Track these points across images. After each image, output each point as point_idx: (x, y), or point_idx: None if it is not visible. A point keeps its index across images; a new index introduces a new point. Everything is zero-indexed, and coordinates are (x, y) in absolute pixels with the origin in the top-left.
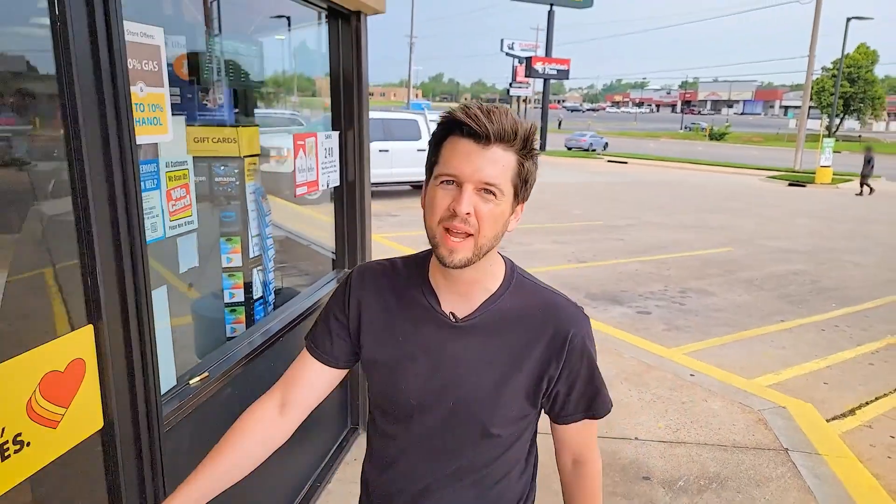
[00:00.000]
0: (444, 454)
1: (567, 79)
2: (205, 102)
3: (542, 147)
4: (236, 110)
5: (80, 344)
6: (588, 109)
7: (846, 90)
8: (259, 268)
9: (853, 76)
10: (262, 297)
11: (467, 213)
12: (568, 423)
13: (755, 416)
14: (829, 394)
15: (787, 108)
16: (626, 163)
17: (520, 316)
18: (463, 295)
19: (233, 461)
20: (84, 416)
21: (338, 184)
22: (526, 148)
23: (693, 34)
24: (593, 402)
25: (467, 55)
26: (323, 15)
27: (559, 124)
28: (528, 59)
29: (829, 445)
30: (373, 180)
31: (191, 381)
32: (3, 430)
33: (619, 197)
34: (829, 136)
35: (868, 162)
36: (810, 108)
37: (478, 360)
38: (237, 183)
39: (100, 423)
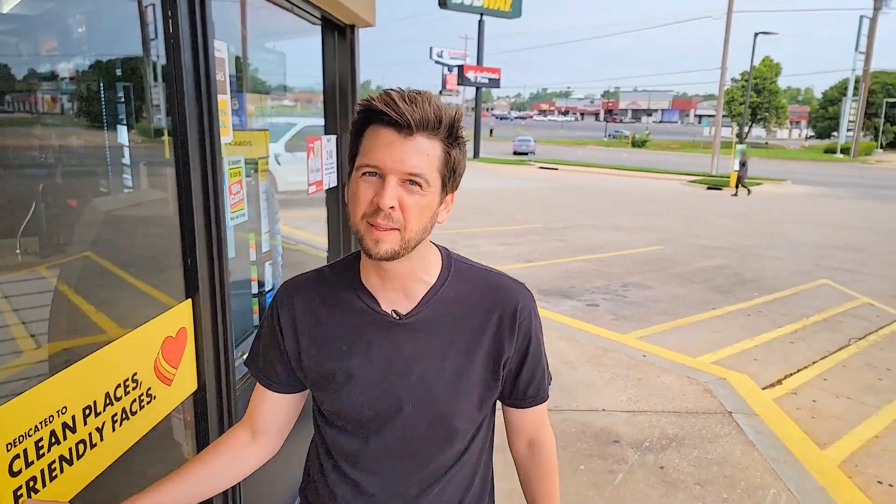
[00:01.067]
0: (407, 461)
1: (498, 87)
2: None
3: (476, 154)
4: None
5: (183, 314)
6: (516, 117)
7: (754, 100)
8: (270, 262)
9: (759, 87)
10: (272, 290)
11: (391, 208)
12: (525, 406)
13: (702, 387)
14: (758, 368)
15: (700, 116)
16: (556, 169)
17: (466, 302)
18: (401, 291)
19: (202, 477)
20: (186, 377)
21: (335, 184)
22: (452, 136)
23: (614, 46)
24: (543, 382)
25: (396, 62)
26: (319, 27)
27: (490, 132)
28: (461, 68)
29: (765, 408)
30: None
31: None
32: (140, 383)
33: (554, 201)
34: (740, 142)
35: (743, 165)
36: (722, 116)
37: (430, 354)
38: (252, 183)
39: (195, 385)
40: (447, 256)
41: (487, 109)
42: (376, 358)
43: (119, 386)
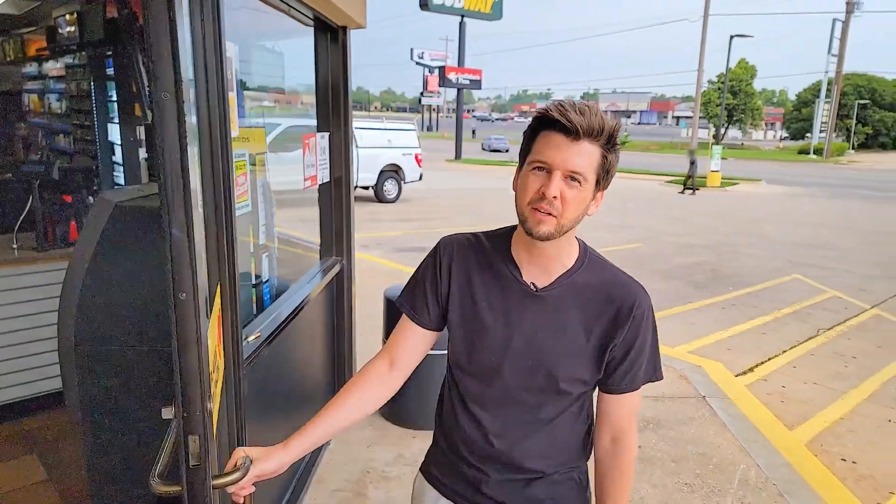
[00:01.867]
0: (522, 405)
1: (479, 88)
2: None
3: (458, 155)
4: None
5: (218, 298)
6: (497, 119)
7: (730, 102)
8: (267, 254)
9: (735, 89)
10: (268, 281)
11: (554, 197)
12: (617, 392)
13: (678, 373)
14: (732, 357)
15: (678, 118)
16: None
17: (592, 289)
18: (543, 268)
19: (354, 404)
20: (217, 355)
21: (328, 180)
22: (610, 143)
23: (594, 47)
24: (639, 374)
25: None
26: (312, 29)
27: (473, 133)
28: (442, 69)
29: (737, 393)
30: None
31: (249, 339)
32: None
33: None
34: (716, 143)
35: (693, 164)
36: (699, 118)
37: (553, 325)
38: (249, 177)
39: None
40: (584, 249)
41: (468, 111)
42: (510, 318)
43: None
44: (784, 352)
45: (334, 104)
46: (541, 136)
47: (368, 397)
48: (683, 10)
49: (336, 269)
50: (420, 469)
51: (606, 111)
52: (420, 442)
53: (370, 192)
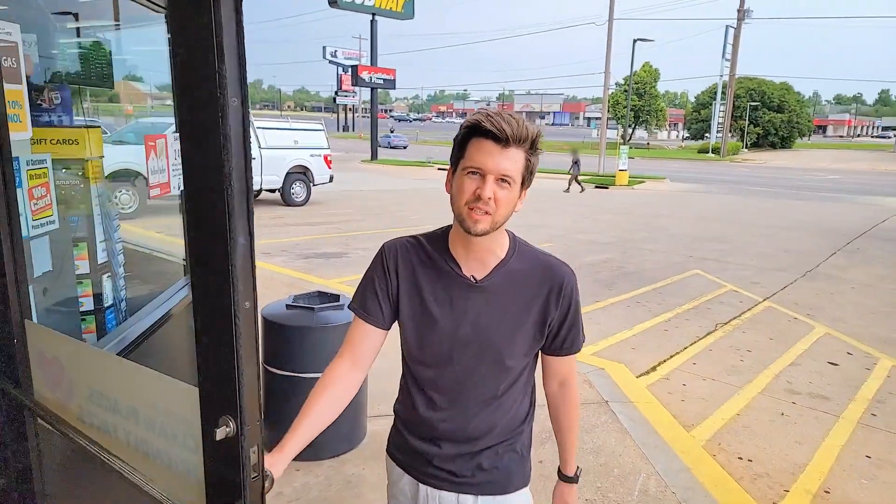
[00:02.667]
0: (473, 386)
1: (394, 88)
2: (39, 102)
3: (374, 156)
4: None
5: None
6: (415, 119)
7: (636, 104)
8: (108, 274)
9: (641, 91)
10: (112, 305)
11: (489, 198)
12: (561, 355)
13: (582, 377)
14: (635, 356)
15: (589, 119)
16: None
17: (524, 275)
18: (479, 261)
19: (326, 409)
20: None
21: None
22: (532, 147)
23: (509, 49)
24: (577, 338)
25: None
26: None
27: (391, 132)
28: (355, 68)
29: (638, 395)
30: None
31: None
32: None
33: (446, 201)
34: (624, 143)
35: (575, 163)
36: (608, 119)
37: (495, 310)
38: (81, 186)
39: None
40: (513, 239)
41: (385, 111)
42: (455, 309)
43: None
44: (685, 348)
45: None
46: (473, 142)
47: (339, 396)
48: (592, 14)
49: None
50: (385, 450)
51: (522, 112)
52: (304, 475)
53: (277, 196)
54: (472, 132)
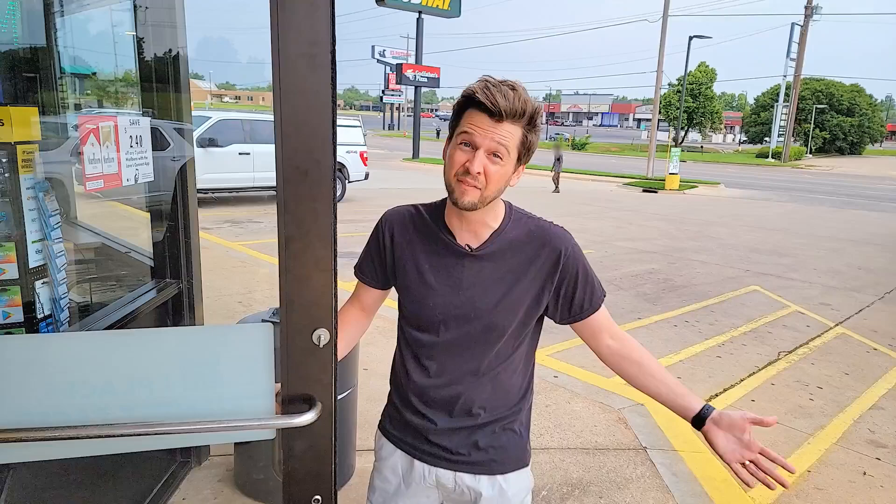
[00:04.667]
0: (466, 354)
1: (438, 87)
2: None
3: (416, 154)
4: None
5: None
6: None
7: (689, 105)
8: (44, 280)
9: (695, 92)
10: (50, 316)
11: (478, 172)
12: (584, 317)
13: (615, 415)
14: None
15: (639, 120)
16: None
17: (520, 242)
18: (473, 232)
19: (348, 337)
20: None
21: (152, 178)
22: (531, 124)
23: (557, 47)
24: (594, 294)
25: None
26: None
27: (437, 134)
28: (399, 67)
29: (684, 441)
30: (233, 185)
31: None
32: None
33: None
34: (675, 146)
35: (558, 160)
36: (659, 121)
37: (489, 279)
38: (7, 176)
39: None
40: (509, 207)
41: (431, 110)
42: (451, 277)
43: None
44: (741, 381)
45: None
46: (467, 113)
47: (349, 336)
48: (643, 11)
49: (171, 292)
50: (378, 426)
51: (568, 113)
52: None
53: None
54: (468, 102)
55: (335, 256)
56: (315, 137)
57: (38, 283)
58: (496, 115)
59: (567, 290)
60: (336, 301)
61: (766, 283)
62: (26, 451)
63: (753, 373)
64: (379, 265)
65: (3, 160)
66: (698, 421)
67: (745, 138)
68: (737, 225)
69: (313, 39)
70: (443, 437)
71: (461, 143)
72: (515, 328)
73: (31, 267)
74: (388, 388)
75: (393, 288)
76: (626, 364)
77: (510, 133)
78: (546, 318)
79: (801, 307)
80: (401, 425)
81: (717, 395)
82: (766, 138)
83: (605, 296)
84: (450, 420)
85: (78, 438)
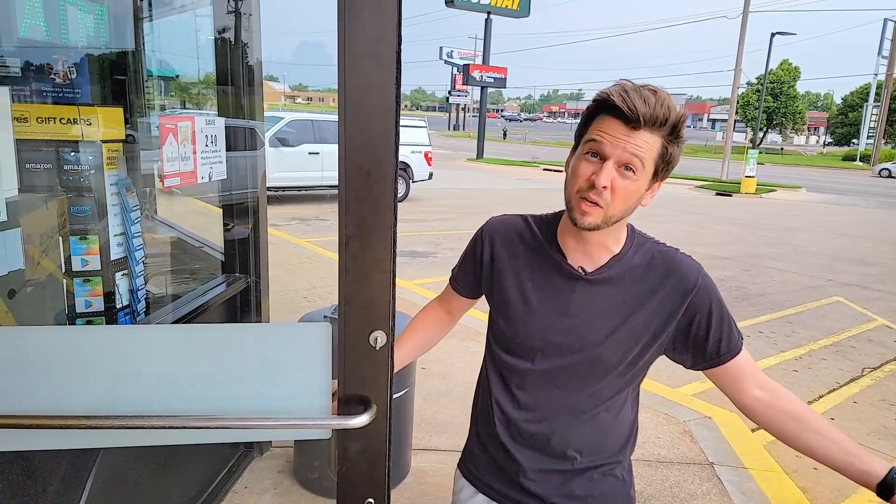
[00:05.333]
0: (563, 388)
1: (504, 87)
2: (52, 77)
3: (480, 155)
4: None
5: None
6: (525, 119)
7: (769, 105)
8: (124, 272)
9: (776, 91)
10: (128, 307)
11: (604, 187)
12: (725, 360)
13: (681, 427)
14: None
15: (714, 121)
16: (560, 171)
17: (641, 270)
18: (588, 255)
19: (426, 336)
20: None
21: (224, 177)
22: (673, 134)
23: (625, 46)
24: (731, 336)
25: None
26: None
27: (504, 135)
28: (466, 67)
29: (755, 458)
30: (302, 183)
31: None
32: None
33: (552, 203)
34: (753, 148)
35: None
36: (736, 121)
37: (601, 307)
38: (92, 172)
39: None
40: (632, 231)
41: (497, 110)
42: (557, 300)
43: None
44: (820, 397)
45: (247, 85)
46: (598, 119)
47: (430, 336)
48: (721, 7)
49: (240, 286)
50: (458, 465)
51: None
52: None
53: None
54: (600, 108)
55: (394, 258)
56: (378, 136)
57: (118, 275)
58: (633, 121)
59: (699, 329)
60: (394, 303)
61: (850, 293)
62: (92, 438)
63: (834, 389)
64: (472, 276)
65: (90, 157)
66: (885, 489)
67: (830, 140)
68: (818, 231)
69: (379, 37)
70: (533, 482)
71: (587, 153)
72: (624, 367)
73: (112, 259)
74: (446, 387)
75: (482, 298)
76: (782, 419)
77: (647, 143)
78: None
79: (888, 320)
80: (485, 466)
81: None
82: (854, 140)
83: (742, 338)
84: (540, 459)
85: (142, 428)
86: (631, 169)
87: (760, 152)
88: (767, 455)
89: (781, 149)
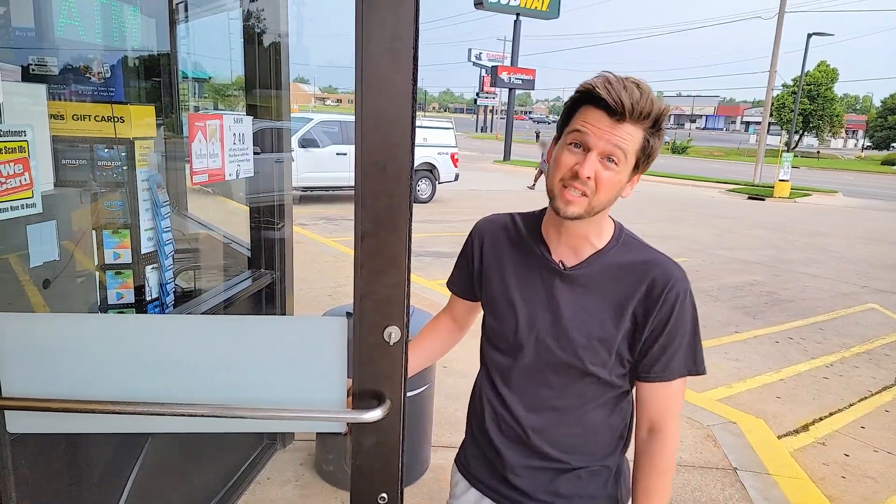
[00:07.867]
0: (545, 387)
1: (532, 89)
2: (88, 76)
3: (507, 157)
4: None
5: None
6: (553, 121)
7: (806, 107)
8: (154, 265)
9: (813, 94)
10: (157, 299)
11: (588, 177)
12: (648, 380)
13: (704, 431)
14: (781, 408)
15: (748, 123)
16: None
17: (623, 270)
18: (572, 248)
19: (433, 346)
20: None
21: (251, 174)
22: (655, 127)
23: (657, 48)
24: (672, 361)
25: (434, 63)
26: None
27: (537, 137)
28: (494, 69)
29: (780, 464)
30: (330, 184)
31: None
32: None
33: None
34: (788, 151)
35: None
36: (770, 124)
37: (579, 305)
38: (124, 168)
39: None
40: (619, 229)
41: (525, 112)
42: (538, 296)
43: None
44: (850, 405)
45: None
46: (582, 109)
47: (438, 348)
48: (756, 8)
49: (265, 281)
50: (454, 459)
51: (671, 115)
52: None
53: None
54: (584, 98)
55: (409, 254)
56: (394, 132)
57: (148, 269)
58: (617, 113)
59: (650, 334)
60: (409, 299)
61: (886, 300)
62: (116, 423)
63: (866, 397)
64: (466, 276)
65: (123, 154)
66: None
67: (868, 144)
68: (854, 237)
69: (396, 34)
70: (520, 478)
71: (570, 144)
72: (604, 364)
73: (142, 253)
74: (466, 386)
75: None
76: (636, 458)
77: (630, 135)
78: None
79: None
80: (476, 460)
81: (821, 419)
82: (894, 144)
83: (692, 374)
84: (527, 458)
85: (163, 415)
86: (613, 161)
87: (796, 156)
88: (793, 462)
89: (818, 152)
